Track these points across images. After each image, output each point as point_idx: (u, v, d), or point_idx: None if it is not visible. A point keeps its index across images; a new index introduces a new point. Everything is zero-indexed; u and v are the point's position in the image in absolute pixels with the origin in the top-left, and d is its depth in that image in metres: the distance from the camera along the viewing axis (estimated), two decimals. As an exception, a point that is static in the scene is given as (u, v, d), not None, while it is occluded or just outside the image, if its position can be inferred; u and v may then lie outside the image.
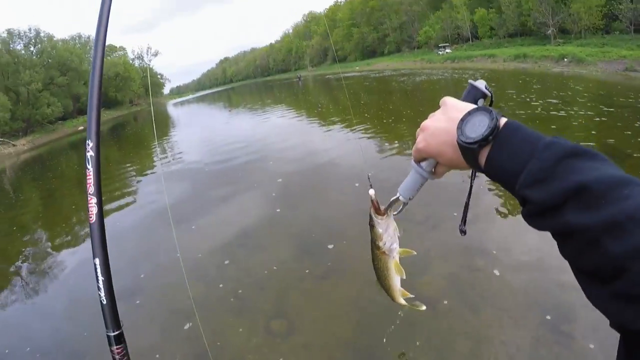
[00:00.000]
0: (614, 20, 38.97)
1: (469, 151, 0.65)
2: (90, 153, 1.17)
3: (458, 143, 0.67)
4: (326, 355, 3.70)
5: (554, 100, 13.47)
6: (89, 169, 1.17)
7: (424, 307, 1.02)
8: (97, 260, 1.11)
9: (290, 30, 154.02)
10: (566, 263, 0.55)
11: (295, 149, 11.57)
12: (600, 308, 0.50)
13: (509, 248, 4.84)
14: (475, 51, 50.60)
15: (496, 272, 4.38)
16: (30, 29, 66.80)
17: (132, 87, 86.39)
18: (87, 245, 7.41)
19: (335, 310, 4.22)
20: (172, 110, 63.07)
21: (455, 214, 5.78)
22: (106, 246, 1.13)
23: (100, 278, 1.10)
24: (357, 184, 7.57)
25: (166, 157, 15.55)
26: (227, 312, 4.52)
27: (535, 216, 0.56)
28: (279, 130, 16.79)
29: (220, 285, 5.07)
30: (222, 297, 4.81)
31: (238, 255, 5.83)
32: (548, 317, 3.63)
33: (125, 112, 78.03)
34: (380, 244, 0.92)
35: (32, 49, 67.30)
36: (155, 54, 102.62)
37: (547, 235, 0.56)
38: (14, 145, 50.21)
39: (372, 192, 0.91)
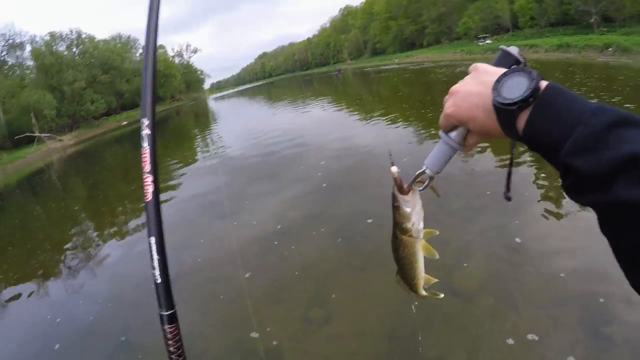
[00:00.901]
0: (659, 7, 37.69)
1: (506, 114, 0.59)
2: (146, 131, 1.13)
3: (494, 105, 0.60)
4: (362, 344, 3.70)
5: (600, 92, 13.05)
6: (144, 147, 1.13)
7: (442, 295, 0.95)
8: (153, 239, 1.09)
9: (328, 25, 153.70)
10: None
11: (336, 141, 11.63)
12: None
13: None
14: (517, 41, 49.20)
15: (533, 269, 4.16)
16: (72, 31, 70.31)
17: (173, 83, 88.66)
18: (135, 234, 8.02)
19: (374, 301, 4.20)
20: (213, 104, 63.61)
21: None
22: (162, 225, 1.10)
23: (156, 257, 1.08)
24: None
25: (208, 150, 16.14)
26: (269, 300, 4.61)
27: (580, 188, 0.52)
28: (319, 122, 16.97)
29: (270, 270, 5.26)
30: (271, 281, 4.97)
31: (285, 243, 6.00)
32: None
33: (167, 107, 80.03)
34: (409, 225, 0.83)
35: (74, 49, 70.40)
36: (195, 51, 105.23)
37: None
38: (60, 140, 52.66)
39: (394, 169, 0.81)
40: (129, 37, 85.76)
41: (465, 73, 0.72)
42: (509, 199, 0.70)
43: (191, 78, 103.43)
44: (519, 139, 0.60)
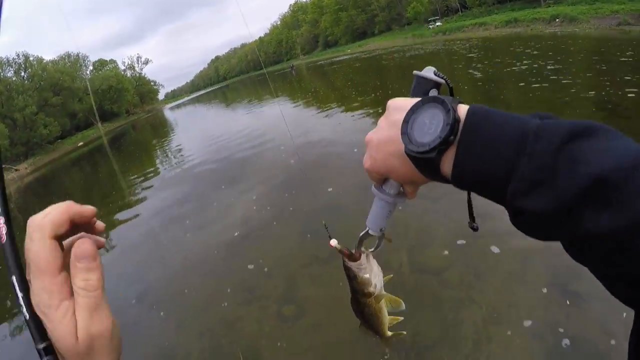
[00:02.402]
0: (602, -25, 38.79)
1: (425, 162, 0.48)
2: None
3: (407, 154, 0.50)
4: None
5: (549, 62, 13.13)
6: None
7: (404, 333, 0.92)
8: (14, 278, 1.00)
9: (278, 22, 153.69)
10: None
11: (295, 138, 11.56)
12: (634, 308, 0.42)
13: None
14: (466, 21, 50.34)
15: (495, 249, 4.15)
16: (18, 55, 68.51)
17: (127, 97, 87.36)
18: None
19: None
20: (169, 114, 63.42)
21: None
22: (21, 262, 1.01)
23: (19, 294, 0.98)
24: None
25: (169, 161, 15.64)
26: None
27: (538, 228, 0.43)
28: (276, 121, 16.61)
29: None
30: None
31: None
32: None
33: (123, 122, 78.78)
34: (371, 289, 0.77)
35: (22, 74, 68.68)
36: (146, 62, 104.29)
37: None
38: (16, 169, 50.64)
39: (334, 242, 0.76)
40: (78, 54, 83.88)
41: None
42: (475, 229, 0.62)
43: (144, 90, 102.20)
44: (448, 183, 0.50)
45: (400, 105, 0.55)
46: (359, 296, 0.78)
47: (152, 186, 11.92)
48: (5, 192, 0.98)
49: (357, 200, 5.86)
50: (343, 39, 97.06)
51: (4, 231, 0.98)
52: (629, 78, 9.22)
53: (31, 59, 69.34)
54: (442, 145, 0.46)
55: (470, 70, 14.94)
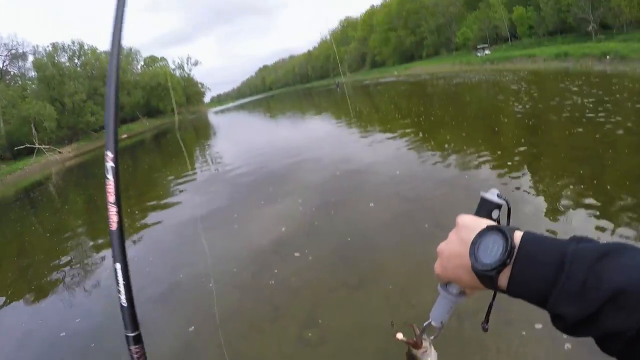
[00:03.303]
0: (656, 12, 37.60)
1: (486, 277, 0.62)
2: (110, 164, 1.19)
3: (473, 270, 0.63)
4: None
5: (594, 101, 12.81)
6: (108, 179, 1.19)
7: None
8: (118, 265, 1.17)
9: (328, 37, 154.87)
10: None
11: (333, 157, 11.64)
12: None
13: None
14: (515, 51, 49.57)
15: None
16: (74, 42, 70.59)
17: (174, 96, 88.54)
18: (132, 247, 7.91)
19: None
20: (213, 118, 63.88)
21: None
22: (125, 252, 1.17)
23: (121, 282, 1.15)
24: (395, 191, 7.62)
25: (207, 162, 16.16)
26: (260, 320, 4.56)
27: (574, 329, 0.54)
28: (317, 137, 16.92)
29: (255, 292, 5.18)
30: (256, 304, 4.90)
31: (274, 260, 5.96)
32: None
33: (167, 121, 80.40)
34: None
35: (76, 61, 70.70)
36: (195, 64, 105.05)
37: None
38: (60, 152, 53.22)
39: (400, 335, 0.87)
40: (130, 49, 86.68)
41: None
42: (485, 329, 0.79)
43: (191, 91, 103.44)
44: (504, 292, 0.62)
45: (468, 225, 0.69)
46: None
47: (184, 190, 12.17)
48: (118, 186, 1.19)
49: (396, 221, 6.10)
50: (390, 59, 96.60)
51: (115, 219, 1.17)
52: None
53: (85, 47, 71.45)
54: (501, 267, 0.59)
55: (514, 104, 15.01)
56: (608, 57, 31.31)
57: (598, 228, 4.81)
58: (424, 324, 0.84)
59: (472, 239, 0.65)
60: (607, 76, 21.94)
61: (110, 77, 1.18)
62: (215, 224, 8.04)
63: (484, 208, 0.74)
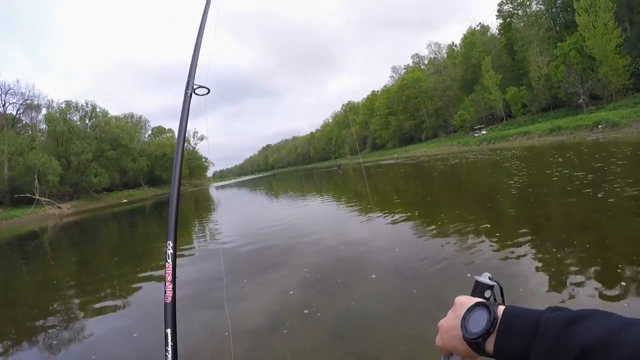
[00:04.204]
0: (641, 77, 39.01)
1: (475, 345, 0.74)
2: (170, 250, 1.46)
3: (464, 338, 0.76)
4: None
5: (584, 172, 13.20)
6: (168, 262, 1.44)
7: None
8: (169, 330, 1.38)
9: (330, 119, 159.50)
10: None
11: (331, 236, 11.58)
12: None
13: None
14: (511, 130, 50.98)
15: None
16: (87, 103, 72.80)
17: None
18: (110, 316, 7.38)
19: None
20: (214, 192, 63.72)
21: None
22: (176, 322, 1.36)
23: (170, 344, 1.36)
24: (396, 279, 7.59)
25: (204, 238, 15.96)
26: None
27: None
28: (316, 217, 17.04)
29: None
30: None
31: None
32: None
33: (168, 191, 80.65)
34: None
35: (87, 121, 72.47)
36: (201, 138, 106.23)
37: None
38: (59, 207, 54.25)
39: None
40: (140, 117, 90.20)
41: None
42: None
43: (195, 164, 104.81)
44: (491, 357, 0.73)
45: (462, 303, 0.83)
46: None
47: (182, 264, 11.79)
48: (175, 268, 1.48)
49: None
50: (391, 142, 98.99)
51: (170, 294, 1.45)
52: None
53: (97, 110, 73.40)
54: (486, 335, 0.72)
55: (507, 180, 15.29)
56: (600, 126, 32.12)
57: (603, 297, 4.60)
58: None
59: (462, 314, 0.79)
60: (600, 144, 22.36)
61: (174, 176, 1.62)
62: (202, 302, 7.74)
63: (478, 290, 0.88)
